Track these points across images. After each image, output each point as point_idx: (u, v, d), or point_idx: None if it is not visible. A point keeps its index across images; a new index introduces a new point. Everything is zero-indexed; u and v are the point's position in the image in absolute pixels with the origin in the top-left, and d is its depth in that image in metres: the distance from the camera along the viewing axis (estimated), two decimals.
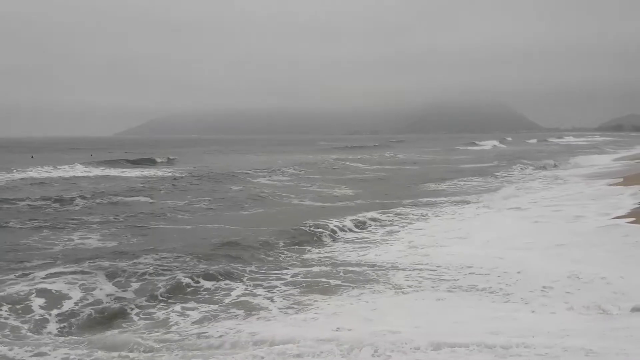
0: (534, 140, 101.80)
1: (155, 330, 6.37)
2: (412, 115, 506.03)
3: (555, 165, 30.89)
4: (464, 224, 12.48)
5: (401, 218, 13.76)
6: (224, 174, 26.42)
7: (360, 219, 13.45)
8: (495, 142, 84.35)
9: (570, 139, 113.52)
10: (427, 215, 14.08)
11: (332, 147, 75.56)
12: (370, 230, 12.59)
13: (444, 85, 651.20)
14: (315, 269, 8.86)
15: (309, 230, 12.08)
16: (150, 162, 39.42)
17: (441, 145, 78.22)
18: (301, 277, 8.32)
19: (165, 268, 8.69)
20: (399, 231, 12.09)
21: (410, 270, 8.47)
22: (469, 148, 68.92)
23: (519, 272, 7.85)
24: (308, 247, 10.79)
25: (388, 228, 12.62)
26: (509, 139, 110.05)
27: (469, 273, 8.11)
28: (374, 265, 8.86)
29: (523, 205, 14.87)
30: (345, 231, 12.36)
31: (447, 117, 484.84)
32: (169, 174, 27.94)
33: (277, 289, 7.81)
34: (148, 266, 8.74)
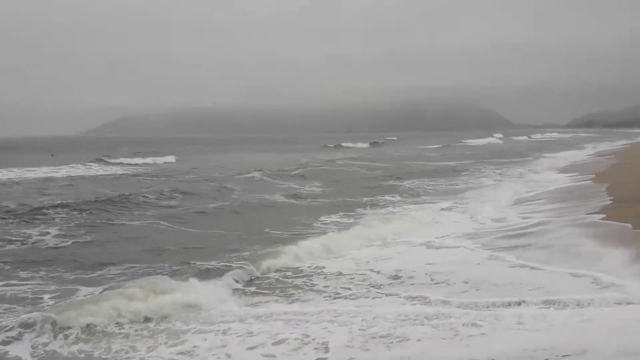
0: (524, 137, 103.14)
1: None
2: (386, 114, 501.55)
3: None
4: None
5: None
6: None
7: None
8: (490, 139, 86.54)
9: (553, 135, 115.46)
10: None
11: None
12: None
13: (418, 85, 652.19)
14: None
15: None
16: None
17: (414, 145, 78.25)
18: None
19: None
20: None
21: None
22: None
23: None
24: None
25: None
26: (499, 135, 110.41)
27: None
28: None
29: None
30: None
31: (419, 116, 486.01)
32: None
33: None
34: None
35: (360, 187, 21.73)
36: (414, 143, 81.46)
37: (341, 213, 15.02)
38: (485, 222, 12.16)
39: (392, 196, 18.37)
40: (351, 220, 13.67)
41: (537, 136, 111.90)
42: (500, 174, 24.61)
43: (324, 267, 8.70)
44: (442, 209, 14.36)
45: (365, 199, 17.80)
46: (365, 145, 77.41)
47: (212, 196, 18.25)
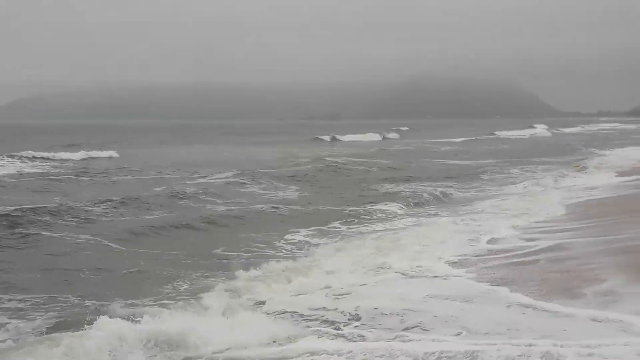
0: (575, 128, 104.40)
1: None
2: (386, 96, 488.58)
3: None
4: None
5: None
6: None
7: None
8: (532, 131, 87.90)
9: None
10: None
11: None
12: None
13: (430, 57, 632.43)
14: None
15: None
16: None
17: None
18: None
19: None
20: None
21: None
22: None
23: None
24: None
25: None
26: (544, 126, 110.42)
27: None
28: None
29: None
30: None
31: (433, 97, 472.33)
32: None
33: None
34: None
35: (352, 193, 22.20)
36: (430, 135, 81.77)
37: (314, 228, 15.20)
38: (491, 243, 12.27)
39: (387, 204, 18.66)
40: (322, 241, 13.81)
41: (590, 127, 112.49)
42: (535, 179, 24.83)
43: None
44: (445, 224, 14.50)
45: (350, 209, 18.05)
46: (367, 137, 77.13)
47: (159, 205, 18.33)
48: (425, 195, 20.72)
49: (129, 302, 9.05)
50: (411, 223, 15.40)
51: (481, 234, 13.04)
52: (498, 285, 9.03)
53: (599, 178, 23.74)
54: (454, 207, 18.35)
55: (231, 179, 25.50)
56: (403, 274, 10.03)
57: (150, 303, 9.01)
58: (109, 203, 17.98)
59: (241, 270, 10.32)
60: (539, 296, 8.32)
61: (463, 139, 67.50)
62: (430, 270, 10.19)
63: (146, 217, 16.77)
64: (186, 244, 13.62)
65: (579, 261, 10.07)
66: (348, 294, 9.05)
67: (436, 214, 16.83)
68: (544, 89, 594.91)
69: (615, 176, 23.94)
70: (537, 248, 11.52)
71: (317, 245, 13.24)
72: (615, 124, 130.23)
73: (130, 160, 38.05)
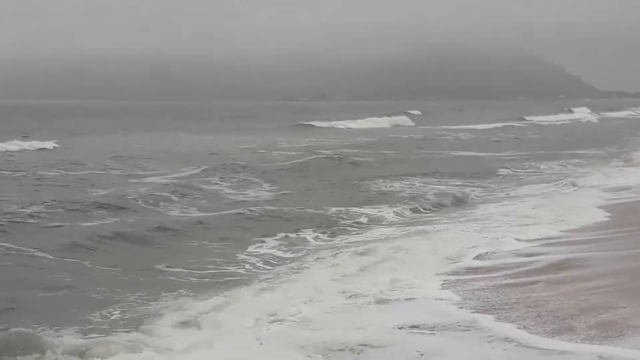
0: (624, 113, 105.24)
1: None
2: (380, 72, 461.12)
3: None
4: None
5: None
6: None
7: None
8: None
9: None
10: None
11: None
12: None
13: (432, 24, 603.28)
14: None
15: None
16: None
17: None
18: None
19: None
20: None
21: None
22: None
23: None
24: None
25: None
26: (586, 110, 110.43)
27: None
28: None
29: None
30: None
31: (437, 74, 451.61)
32: None
33: None
34: None
35: (338, 192, 22.52)
36: (448, 120, 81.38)
37: (281, 235, 15.36)
38: (491, 259, 12.04)
39: (378, 208, 18.76)
40: (288, 254, 13.84)
41: (628, 112, 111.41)
42: (567, 176, 24.83)
43: None
44: (440, 235, 14.33)
45: (334, 209, 18.28)
46: (370, 123, 76.28)
47: (103, 210, 18.14)
48: (427, 196, 20.87)
49: (45, 330, 8.77)
50: (399, 233, 15.29)
51: (481, 248, 12.75)
52: (483, 313, 8.75)
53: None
54: (458, 211, 18.34)
55: (191, 176, 25.47)
56: (374, 298, 9.77)
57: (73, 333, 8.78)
58: (36, 207, 17.70)
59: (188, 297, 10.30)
60: (531, 327, 8.02)
61: (487, 125, 67.22)
62: (406, 293, 9.94)
63: (81, 223, 16.60)
64: (127, 257, 13.51)
65: (591, 283, 9.75)
66: (297, 322, 8.86)
67: (433, 221, 16.77)
68: (577, 63, 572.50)
69: None
70: (541, 264, 11.29)
71: (282, 260, 13.23)
72: None
73: (71, 151, 37.58)
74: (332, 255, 12.84)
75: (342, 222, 17.01)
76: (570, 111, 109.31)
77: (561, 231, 14.34)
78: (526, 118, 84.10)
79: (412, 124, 79.51)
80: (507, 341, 7.60)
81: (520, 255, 12.18)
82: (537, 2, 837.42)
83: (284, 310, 9.31)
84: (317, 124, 72.49)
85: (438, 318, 8.61)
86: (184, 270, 12.49)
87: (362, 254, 12.62)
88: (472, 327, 8.21)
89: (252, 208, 18.62)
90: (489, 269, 11.29)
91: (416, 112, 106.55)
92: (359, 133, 60.16)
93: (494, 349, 7.42)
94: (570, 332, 7.72)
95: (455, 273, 11.11)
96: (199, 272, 12.43)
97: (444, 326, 8.32)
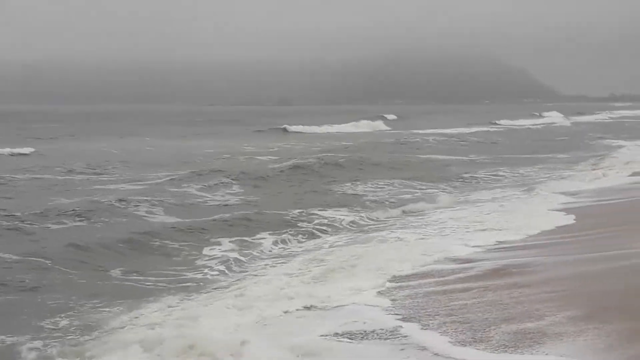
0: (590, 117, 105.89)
1: None
2: (345, 77, 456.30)
3: None
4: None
5: None
6: None
7: None
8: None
9: None
10: None
11: None
12: None
13: (397, 29, 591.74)
14: None
15: None
16: None
17: None
18: None
19: None
20: None
21: None
22: None
23: None
24: None
25: None
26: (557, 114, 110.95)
27: None
28: None
29: None
30: None
31: (402, 78, 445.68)
32: None
33: None
34: None
35: (302, 193, 23.06)
36: (423, 124, 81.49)
37: (236, 239, 15.48)
38: (437, 263, 12.12)
39: (340, 212, 18.98)
40: (243, 257, 14.03)
41: (596, 115, 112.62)
42: (528, 181, 25.10)
43: None
44: (390, 240, 14.47)
45: (296, 211, 18.66)
46: (347, 127, 75.98)
47: (68, 217, 18.00)
48: (388, 201, 21.07)
49: None
50: (351, 239, 15.34)
51: (426, 254, 12.76)
52: (409, 321, 8.76)
53: (614, 179, 23.87)
54: (414, 215, 18.37)
55: (161, 182, 25.34)
56: (306, 306, 9.81)
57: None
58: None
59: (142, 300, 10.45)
60: (450, 335, 8.03)
61: (458, 129, 67.74)
62: (341, 301, 9.92)
63: (44, 229, 16.56)
64: (87, 264, 13.51)
65: (524, 290, 9.74)
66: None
67: (386, 227, 16.80)
68: (539, 67, 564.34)
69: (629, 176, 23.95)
70: (479, 271, 11.29)
71: (232, 267, 13.32)
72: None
73: (49, 157, 37.03)
74: (278, 263, 13.01)
75: (302, 226, 17.13)
76: (541, 115, 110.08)
77: (509, 237, 14.33)
78: (498, 122, 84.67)
79: (387, 128, 79.86)
80: (421, 350, 7.61)
81: (462, 261, 12.17)
82: (499, 6, 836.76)
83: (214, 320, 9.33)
84: (291, 128, 72.07)
85: (363, 326, 8.61)
86: (140, 277, 12.61)
87: (308, 261, 12.72)
88: (392, 335, 8.21)
89: (215, 213, 18.83)
90: (427, 275, 11.29)
91: (391, 116, 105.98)
92: (331, 137, 60.16)
93: (407, 358, 7.47)
94: (487, 341, 7.71)
95: (394, 280, 11.10)
96: (153, 279, 12.54)
97: (366, 334, 8.34)
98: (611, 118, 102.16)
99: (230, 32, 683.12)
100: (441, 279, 11.01)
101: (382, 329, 8.48)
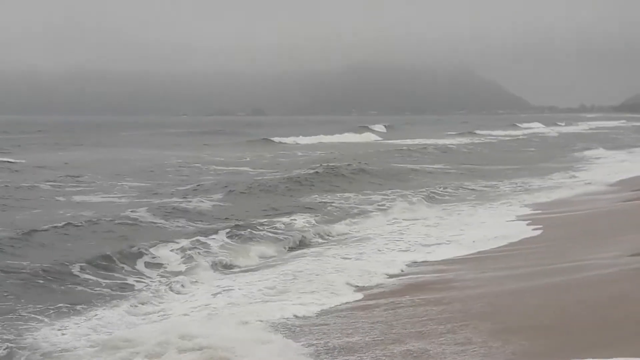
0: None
1: None
2: (318, 87, 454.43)
3: None
4: None
5: None
6: None
7: None
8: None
9: None
10: None
11: None
12: None
13: (369, 39, 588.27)
14: None
15: None
16: None
17: None
18: None
19: None
20: None
21: None
22: None
23: None
24: None
25: None
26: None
27: None
28: None
29: None
30: None
31: (376, 89, 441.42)
32: None
33: None
34: None
35: (275, 201, 22.59)
36: (412, 134, 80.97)
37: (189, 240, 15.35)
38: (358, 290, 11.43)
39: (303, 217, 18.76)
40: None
41: (562, 127, 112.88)
42: (491, 192, 24.76)
43: None
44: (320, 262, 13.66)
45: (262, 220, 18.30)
46: (342, 137, 74.44)
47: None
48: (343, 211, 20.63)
49: None
50: (285, 258, 14.65)
51: (357, 275, 12.19)
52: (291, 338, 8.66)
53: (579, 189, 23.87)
54: (360, 226, 18.11)
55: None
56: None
57: None
58: None
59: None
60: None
61: (449, 140, 66.79)
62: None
63: None
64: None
65: (431, 307, 9.56)
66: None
67: (325, 243, 16.28)
68: (510, 79, 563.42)
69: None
70: (399, 287, 11.17)
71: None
72: (622, 121, 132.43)
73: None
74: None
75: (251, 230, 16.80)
76: (517, 126, 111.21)
77: (453, 251, 14.25)
78: (479, 132, 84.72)
79: (378, 138, 78.93)
80: None
81: (390, 276, 12.06)
82: (469, 20, 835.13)
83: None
84: (279, 139, 67.02)
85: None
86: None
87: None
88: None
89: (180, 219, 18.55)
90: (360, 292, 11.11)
91: (378, 126, 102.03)
92: (327, 147, 57.86)
93: None
94: None
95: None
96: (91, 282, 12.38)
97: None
98: (590, 129, 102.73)
99: (200, 43, 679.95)
100: (365, 293, 10.94)
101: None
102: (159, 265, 13.72)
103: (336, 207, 21.42)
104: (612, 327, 7.80)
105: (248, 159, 42.43)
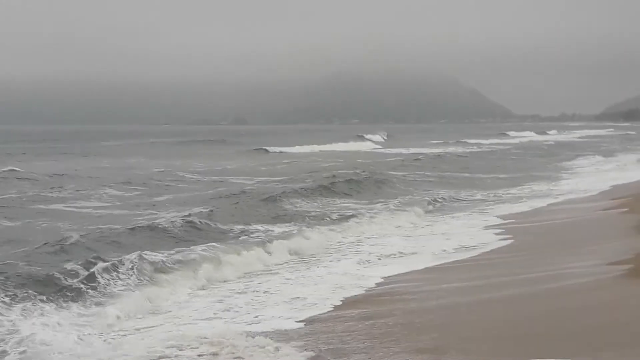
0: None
1: None
2: (299, 96, 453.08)
3: None
4: None
5: None
6: None
7: None
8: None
9: None
10: None
11: None
12: None
13: (351, 48, 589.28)
14: None
15: None
16: None
17: None
18: None
19: None
20: None
21: None
22: None
23: None
24: None
25: None
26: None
27: None
28: None
29: None
30: None
31: (357, 97, 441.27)
32: None
33: None
34: None
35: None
36: (411, 143, 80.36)
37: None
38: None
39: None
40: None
41: (554, 135, 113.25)
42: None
43: None
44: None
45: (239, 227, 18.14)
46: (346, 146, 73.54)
47: None
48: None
49: None
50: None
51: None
52: None
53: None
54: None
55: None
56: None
57: None
58: None
59: None
60: None
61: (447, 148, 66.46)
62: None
63: None
64: None
65: (382, 320, 9.45)
66: None
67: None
68: (492, 88, 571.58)
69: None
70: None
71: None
72: (610, 130, 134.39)
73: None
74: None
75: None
76: (506, 135, 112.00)
77: (418, 262, 13.94)
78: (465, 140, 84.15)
79: (377, 146, 77.85)
80: None
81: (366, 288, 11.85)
82: (451, 28, 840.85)
83: None
84: (274, 149, 64.78)
85: None
86: None
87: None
88: None
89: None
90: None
91: (372, 136, 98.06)
92: (325, 156, 56.49)
93: None
94: None
95: None
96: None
97: None
98: (581, 137, 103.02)
99: (180, 53, 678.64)
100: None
101: None
102: None
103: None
104: (588, 335, 7.92)
105: (264, 169, 40.98)
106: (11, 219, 19.68)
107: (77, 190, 27.02)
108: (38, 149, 67.60)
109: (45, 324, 9.61)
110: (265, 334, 9.00)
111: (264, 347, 8.40)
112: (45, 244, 14.99)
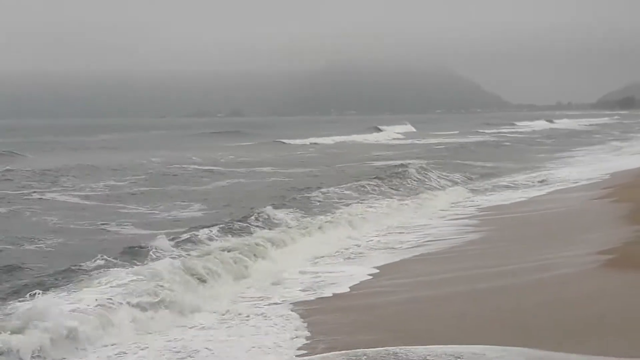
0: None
1: None
2: (296, 88, 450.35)
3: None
4: None
5: None
6: None
7: None
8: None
9: None
10: None
11: None
12: None
13: (347, 39, 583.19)
14: None
15: None
16: None
17: None
18: None
19: None
20: None
21: None
22: None
23: None
24: None
25: None
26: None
27: None
28: None
29: None
30: None
31: (354, 88, 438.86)
32: None
33: None
34: None
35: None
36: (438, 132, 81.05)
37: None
38: None
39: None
40: None
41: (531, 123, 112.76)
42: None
43: None
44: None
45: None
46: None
47: None
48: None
49: None
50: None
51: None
52: None
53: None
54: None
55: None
56: None
57: None
58: None
59: None
60: None
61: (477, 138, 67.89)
62: None
63: None
64: None
65: (324, 316, 9.40)
66: None
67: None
68: (488, 78, 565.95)
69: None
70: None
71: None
72: (606, 119, 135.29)
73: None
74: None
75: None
76: (513, 124, 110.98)
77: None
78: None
79: (401, 137, 77.11)
80: None
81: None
82: (449, 16, 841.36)
83: None
84: (297, 142, 62.32)
85: None
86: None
87: None
88: None
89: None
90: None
91: (403, 126, 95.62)
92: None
93: None
94: None
95: None
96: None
97: None
98: (590, 124, 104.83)
99: (176, 45, 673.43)
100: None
101: None
102: None
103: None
104: (572, 324, 7.86)
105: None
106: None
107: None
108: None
109: None
110: None
111: None
112: None
